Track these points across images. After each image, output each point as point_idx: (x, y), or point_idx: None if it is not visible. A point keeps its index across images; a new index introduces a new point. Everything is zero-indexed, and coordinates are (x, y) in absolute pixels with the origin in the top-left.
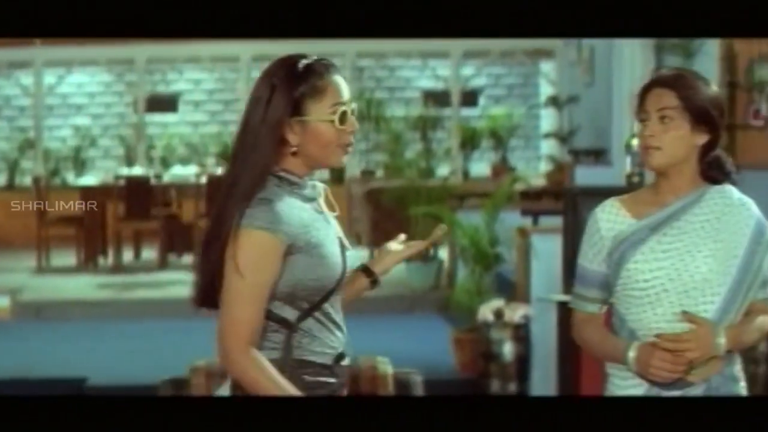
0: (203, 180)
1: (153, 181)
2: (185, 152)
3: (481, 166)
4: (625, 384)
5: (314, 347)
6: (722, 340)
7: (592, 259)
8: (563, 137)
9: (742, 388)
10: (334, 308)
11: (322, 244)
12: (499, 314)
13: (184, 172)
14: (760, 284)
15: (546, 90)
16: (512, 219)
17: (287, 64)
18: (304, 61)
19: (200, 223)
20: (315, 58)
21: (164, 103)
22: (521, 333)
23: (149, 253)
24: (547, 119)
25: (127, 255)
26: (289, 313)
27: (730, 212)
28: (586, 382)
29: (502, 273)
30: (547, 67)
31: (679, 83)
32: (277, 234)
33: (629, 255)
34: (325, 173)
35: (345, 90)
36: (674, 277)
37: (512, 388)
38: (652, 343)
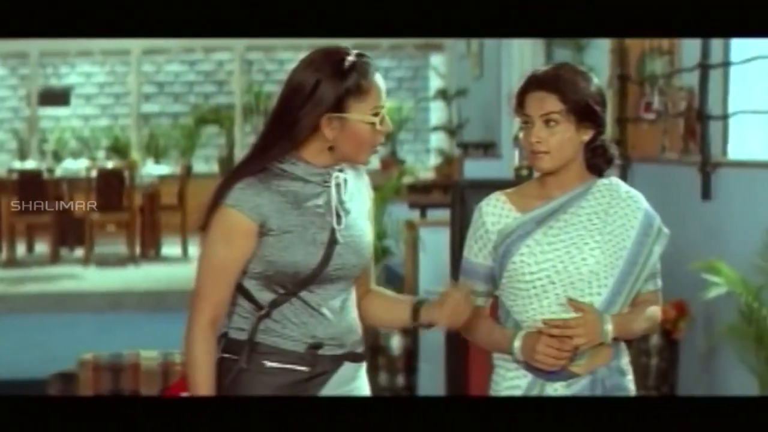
0: (93, 174)
1: (45, 175)
2: (76, 146)
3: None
4: (509, 375)
5: (287, 332)
6: (609, 327)
7: (477, 253)
8: (452, 130)
9: (629, 381)
10: (320, 297)
11: (296, 231)
12: None
13: (75, 165)
14: (648, 276)
15: (435, 83)
16: (400, 212)
17: (333, 59)
18: (350, 59)
19: (92, 216)
20: (357, 53)
21: (57, 97)
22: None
23: (42, 247)
24: (437, 112)
25: (21, 249)
26: (266, 297)
27: (618, 205)
28: (474, 374)
29: (390, 266)
30: (436, 60)
31: (561, 85)
32: (246, 213)
33: (515, 248)
34: (215, 165)
35: (384, 91)
36: (560, 269)
37: (400, 381)
38: (539, 330)
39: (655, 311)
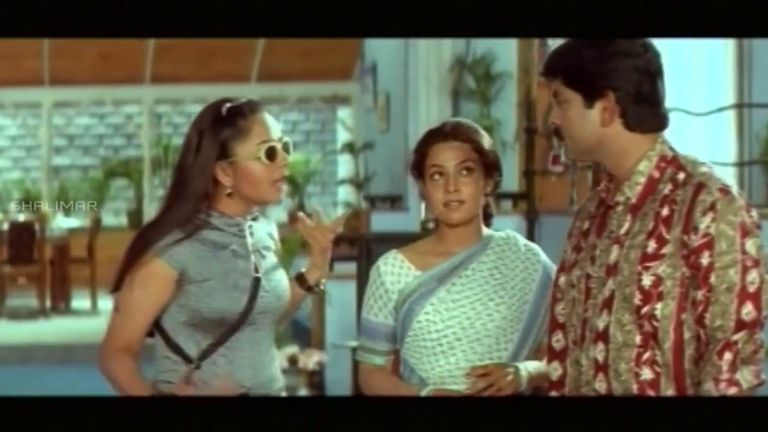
0: (5, 226)
1: None
2: None
3: (277, 212)
4: None
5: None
6: (524, 373)
7: (377, 313)
8: (359, 183)
9: None
10: (246, 344)
11: (217, 278)
12: (293, 361)
13: None
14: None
15: (343, 136)
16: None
17: (213, 109)
18: (228, 105)
19: (3, 269)
20: (238, 99)
21: None
22: (316, 380)
23: None
24: (344, 165)
25: None
26: (194, 349)
27: (518, 259)
28: None
29: (297, 320)
30: (343, 113)
31: (474, 136)
32: (166, 260)
33: (419, 307)
34: (124, 218)
35: (271, 126)
36: (467, 326)
37: None
38: (449, 389)
39: None
